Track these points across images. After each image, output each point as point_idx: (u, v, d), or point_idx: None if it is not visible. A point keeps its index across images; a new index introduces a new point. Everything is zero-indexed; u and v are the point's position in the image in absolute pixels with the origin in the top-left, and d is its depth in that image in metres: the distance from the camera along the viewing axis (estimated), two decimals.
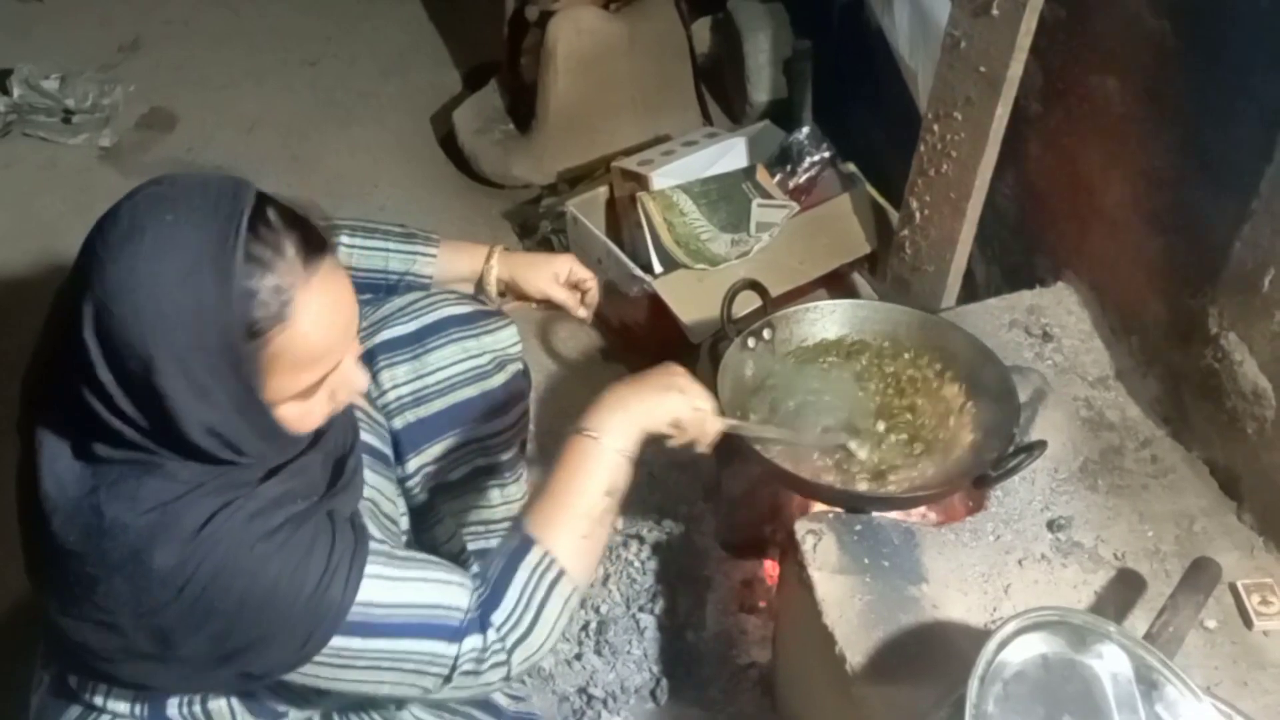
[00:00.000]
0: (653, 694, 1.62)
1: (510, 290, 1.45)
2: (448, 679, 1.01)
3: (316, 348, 0.93)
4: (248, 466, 0.95)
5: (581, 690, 1.63)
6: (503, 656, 1.02)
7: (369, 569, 0.97)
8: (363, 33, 3.31)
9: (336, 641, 0.95)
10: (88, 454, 0.91)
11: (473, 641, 1.01)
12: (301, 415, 0.97)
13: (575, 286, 1.46)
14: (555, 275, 1.44)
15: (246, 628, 0.92)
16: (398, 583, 0.99)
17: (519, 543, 1.06)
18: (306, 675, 0.97)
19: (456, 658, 1.00)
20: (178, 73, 3.09)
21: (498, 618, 1.02)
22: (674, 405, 1.15)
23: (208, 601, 0.90)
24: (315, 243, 0.93)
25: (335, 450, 1.08)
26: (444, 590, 1.02)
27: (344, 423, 1.11)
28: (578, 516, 1.07)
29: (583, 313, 1.49)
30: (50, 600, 0.96)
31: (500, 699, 1.34)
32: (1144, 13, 1.43)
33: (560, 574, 1.05)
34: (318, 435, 1.03)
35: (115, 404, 0.88)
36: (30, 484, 0.94)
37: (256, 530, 0.92)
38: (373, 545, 1.00)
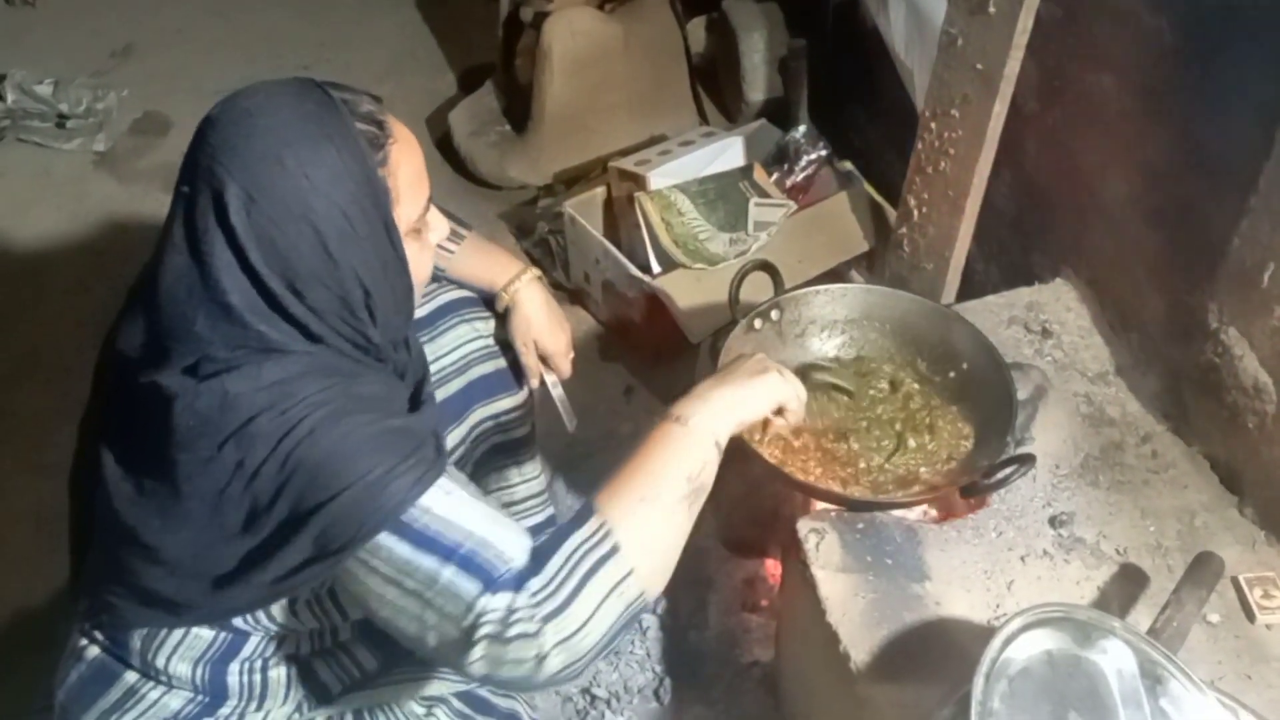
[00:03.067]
0: (656, 694, 1.63)
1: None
2: (470, 640, 0.92)
3: (417, 161, 1.06)
4: (358, 356, 1.03)
5: (585, 691, 1.63)
6: (532, 627, 0.91)
7: (441, 480, 0.97)
8: (356, 37, 3.31)
9: (388, 541, 0.94)
10: (206, 357, 0.97)
11: (502, 599, 0.93)
12: (415, 258, 1.07)
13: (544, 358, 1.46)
14: (528, 339, 1.43)
15: (320, 489, 0.94)
16: (461, 503, 0.97)
17: (577, 512, 1.00)
18: (366, 582, 0.96)
19: (483, 612, 0.92)
20: (171, 78, 3.09)
21: (535, 583, 0.93)
22: (775, 388, 1.13)
23: (297, 456, 0.94)
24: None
25: (414, 376, 1.16)
26: (500, 530, 0.97)
27: (419, 358, 1.21)
28: (648, 497, 0.98)
29: (534, 382, 1.48)
30: (146, 522, 1.00)
31: (524, 714, 1.33)
32: (1141, 10, 1.43)
33: (613, 550, 0.95)
34: (401, 374, 1.12)
35: (263, 282, 0.95)
36: (128, 398, 1.01)
37: (354, 406, 0.98)
38: (450, 467, 1.00)
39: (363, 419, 0.97)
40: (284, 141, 0.95)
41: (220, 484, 0.96)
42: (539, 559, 0.96)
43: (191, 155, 0.97)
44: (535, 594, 0.93)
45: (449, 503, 0.96)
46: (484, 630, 0.92)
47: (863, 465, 1.40)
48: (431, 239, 1.12)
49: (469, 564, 0.94)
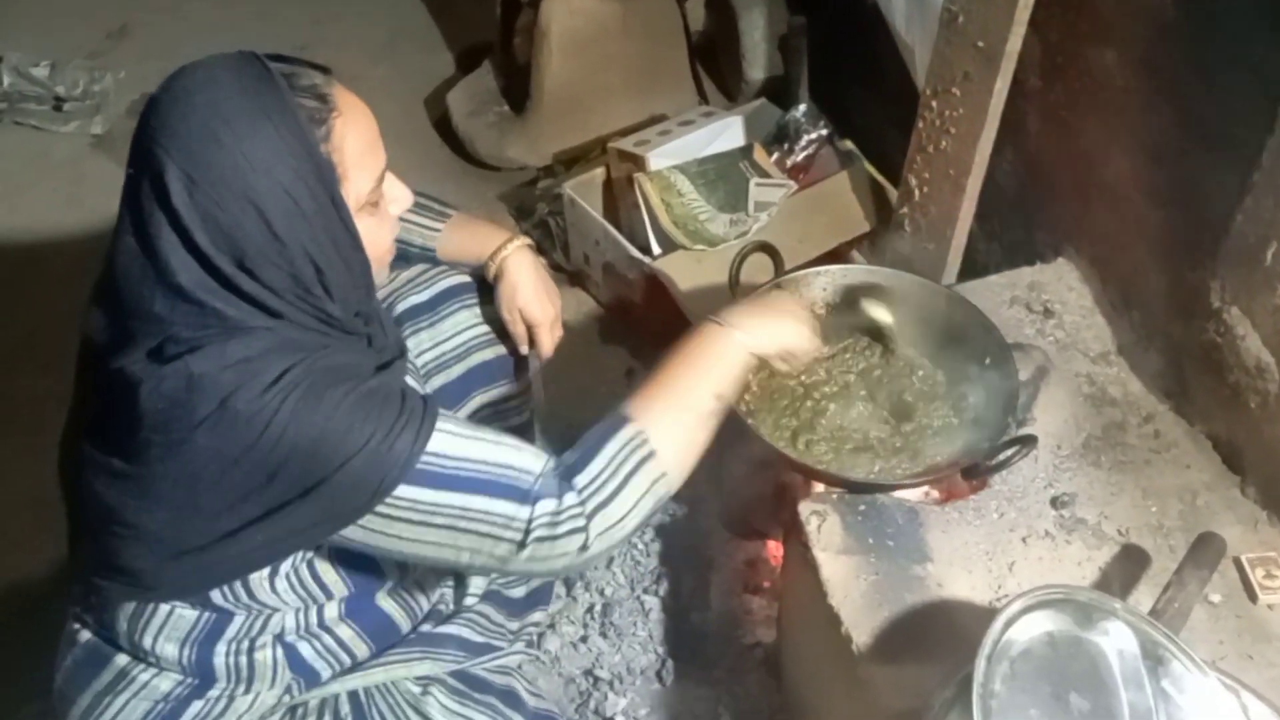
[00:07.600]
0: (658, 675, 1.63)
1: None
2: (522, 544, 1.01)
3: (367, 133, 1.03)
4: (323, 330, 1.02)
5: (588, 672, 1.63)
6: (581, 521, 1.02)
7: (440, 424, 1.01)
8: (352, 16, 3.28)
9: (408, 492, 0.98)
10: (170, 338, 0.97)
11: (547, 504, 1.01)
12: (371, 232, 1.05)
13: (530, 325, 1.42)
14: (514, 307, 1.39)
15: (323, 465, 0.95)
16: (468, 440, 1.02)
17: (613, 420, 1.07)
18: (389, 533, 1.00)
19: (530, 520, 1.01)
20: (167, 59, 3.00)
21: (580, 480, 1.03)
22: (793, 333, 1.19)
23: (288, 441, 0.94)
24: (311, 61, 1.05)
25: (384, 354, 1.13)
26: (515, 454, 1.04)
27: (394, 338, 1.18)
28: (683, 408, 1.07)
29: (523, 349, 1.45)
30: (124, 502, 1.00)
31: (522, 693, 1.34)
32: None
33: (651, 453, 1.05)
34: (369, 340, 1.11)
35: (212, 262, 0.95)
36: (100, 384, 1.01)
37: (329, 380, 0.98)
38: (442, 410, 1.03)
39: (340, 390, 0.97)
40: (221, 119, 0.94)
41: (194, 467, 0.96)
42: (582, 458, 1.04)
43: (136, 137, 0.97)
44: (582, 490, 1.03)
45: (454, 442, 1.01)
46: (536, 534, 1.01)
47: (866, 442, 1.39)
48: (392, 210, 1.10)
49: (495, 487, 1.00)
